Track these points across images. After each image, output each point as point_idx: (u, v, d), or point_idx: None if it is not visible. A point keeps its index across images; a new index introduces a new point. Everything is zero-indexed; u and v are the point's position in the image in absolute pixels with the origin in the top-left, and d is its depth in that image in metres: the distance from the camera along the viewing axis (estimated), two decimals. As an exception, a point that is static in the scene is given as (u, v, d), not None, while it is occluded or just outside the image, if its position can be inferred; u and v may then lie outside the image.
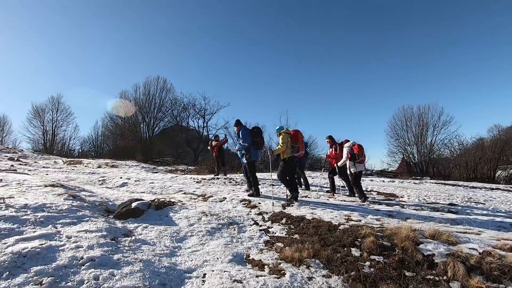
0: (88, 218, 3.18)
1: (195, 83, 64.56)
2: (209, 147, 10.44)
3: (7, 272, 1.85)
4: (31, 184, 4.55)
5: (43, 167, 10.83)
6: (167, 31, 78.31)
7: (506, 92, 51.58)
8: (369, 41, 77.73)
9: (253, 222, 3.90)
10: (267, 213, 4.25)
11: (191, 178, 8.81)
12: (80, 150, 30.07)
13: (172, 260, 2.55)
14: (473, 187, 11.24)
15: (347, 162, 6.11)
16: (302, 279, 2.36)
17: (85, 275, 1.97)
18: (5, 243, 2.20)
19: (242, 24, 79.31)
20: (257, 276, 2.34)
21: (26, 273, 1.87)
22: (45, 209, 3.18)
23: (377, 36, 76.78)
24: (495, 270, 2.17)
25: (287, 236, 3.35)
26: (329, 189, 7.20)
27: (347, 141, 6.47)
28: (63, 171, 9.74)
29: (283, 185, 5.98)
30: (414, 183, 11.97)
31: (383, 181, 11.95)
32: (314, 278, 2.39)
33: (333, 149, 6.80)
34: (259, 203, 4.84)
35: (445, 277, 2.23)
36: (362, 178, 7.53)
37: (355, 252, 2.73)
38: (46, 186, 4.52)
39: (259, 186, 5.77)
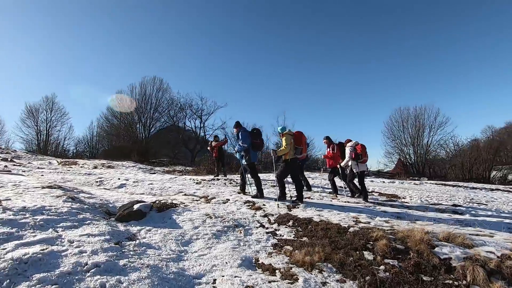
0: (89, 221, 3.06)
1: (192, 83, 64.37)
2: (208, 148, 10.33)
3: (8, 280, 1.72)
4: (28, 185, 4.39)
5: (38, 168, 10.57)
6: (163, 31, 77.83)
7: (499, 93, 52.52)
8: (369, 41, 78.38)
9: (259, 224, 3.80)
10: (272, 215, 4.15)
11: (190, 179, 8.65)
12: (74, 151, 29.64)
13: (180, 265, 2.45)
14: (473, 188, 11.30)
15: (350, 162, 6.05)
16: (316, 285, 2.27)
17: (91, 283, 1.85)
18: (4, 249, 2.07)
19: (241, 24, 79.27)
20: (269, 282, 2.25)
21: (28, 281, 1.75)
22: (44, 211, 3.04)
23: (377, 36, 77.42)
24: (517, 275, 2.11)
25: (295, 239, 3.26)
26: (331, 190, 7.14)
27: (350, 140, 6.42)
28: (58, 172, 9.51)
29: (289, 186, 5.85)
30: (414, 184, 11.99)
31: (384, 182, 11.96)
32: (328, 283, 2.31)
33: (330, 149, 6.79)
34: (264, 204, 4.75)
35: (464, 282, 2.16)
36: None
37: (368, 255, 2.65)
38: (43, 187, 4.37)
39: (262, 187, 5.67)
